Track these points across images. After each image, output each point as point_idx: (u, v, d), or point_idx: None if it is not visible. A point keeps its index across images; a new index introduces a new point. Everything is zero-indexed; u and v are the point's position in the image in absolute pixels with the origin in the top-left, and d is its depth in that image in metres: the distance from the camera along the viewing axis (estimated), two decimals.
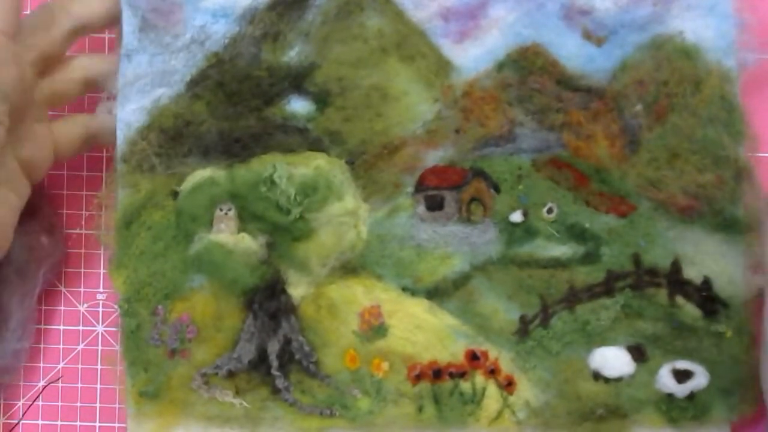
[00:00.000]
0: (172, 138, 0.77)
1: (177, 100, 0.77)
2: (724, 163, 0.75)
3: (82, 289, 0.85)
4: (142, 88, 0.77)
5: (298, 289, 0.77)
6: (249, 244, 0.76)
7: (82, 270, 0.85)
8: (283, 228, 0.76)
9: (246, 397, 0.77)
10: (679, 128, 0.75)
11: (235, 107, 0.77)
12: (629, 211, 0.76)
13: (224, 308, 0.77)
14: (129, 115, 0.77)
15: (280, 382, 0.76)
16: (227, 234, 0.76)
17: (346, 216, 0.76)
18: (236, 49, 0.77)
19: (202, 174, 0.77)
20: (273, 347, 0.77)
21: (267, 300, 0.76)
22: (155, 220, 0.77)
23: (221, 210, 0.76)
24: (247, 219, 0.76)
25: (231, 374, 0.77)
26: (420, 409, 0.76)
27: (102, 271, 0.85)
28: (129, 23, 0.77)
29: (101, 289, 0.85)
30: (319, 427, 0.77)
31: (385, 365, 0.76)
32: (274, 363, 0.77)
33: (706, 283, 0.75)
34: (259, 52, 0.77)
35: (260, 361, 0.77)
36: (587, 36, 0.76)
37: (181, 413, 0.77)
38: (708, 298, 0.75)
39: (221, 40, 0.77)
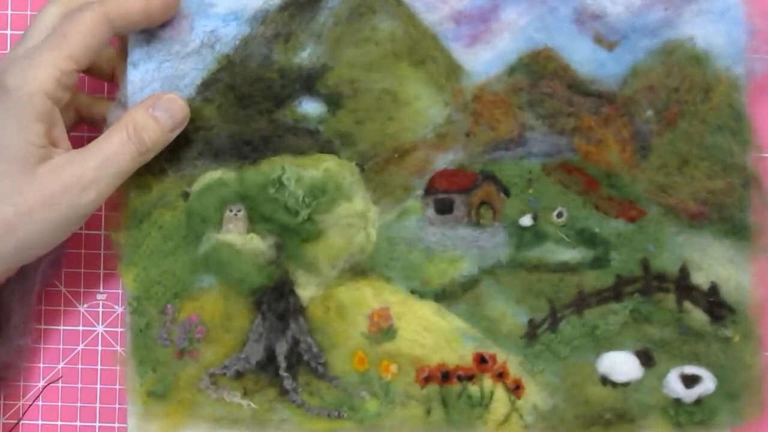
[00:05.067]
0: (183, 142, 0.76)
1: (187, 105, 0.76)
2: (733, 170, 0.75)
3: (82, 289, 0.85)
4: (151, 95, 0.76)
5: (306, 291, 0.77)
6: (257, 244, 0.76)
7: (82, 270, 0.85)
8: (291, 229, 0.76)
9: (254, 398, 0.77)
10: (688, 135, 0.75)
11: (246, 110, 0.77)
12: (639, 216, 0.76)
13: (233, 309, 0.77)
14: None
15: (288, 384, 0.76)
16: (235, 234, 0.76)
17: (355, 218, 0.76)
18: (247, 50, 0.76)
19: (212, 175, 0.76)
20: (281, 348, 0.77)
21: (275, 301, 0.76)
22: (166, 220, 0.77)
23: (231, 211, 0.76)
24: (256, 220, 0.76)
25: (239, 375, 0.77)
26: (428, 412, 0.76)
27: (102, 271, 0.85)
28: (135, 38, 0.77)
29: (101, 289, 0.85)
30: (326, 428, 0.77)
31: (393, 367, 0.76)
32: (282, 364, 0.77)
33: (714, 288, 0.76)
34: (271, 53, 0.76)
35: (268, 362, 0.77)
36: (598, 40, 0.76)
37: (188, 414, 0.77)
38: (715, 304, 0.75)
39: (232, 42, 0.77)
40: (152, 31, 0.76)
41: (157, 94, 0.75)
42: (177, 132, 0.75)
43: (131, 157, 0.73)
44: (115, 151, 0.72)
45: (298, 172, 0.76)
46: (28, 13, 0.85)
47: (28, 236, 0.71)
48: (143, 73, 0.77)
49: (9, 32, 0.85)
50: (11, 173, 0.70)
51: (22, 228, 0.70)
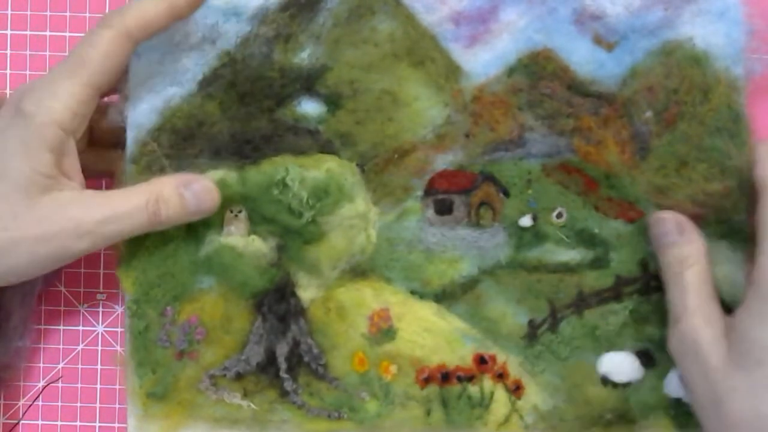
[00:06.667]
0: (184, 139, 0.76)
1: (189, 100, 0.76)
2: (731, 172, 0.75)
3: (82, 289, 0.85)
4: (153, 88, 0.76)
5: (307, 292, 0.77)
6: (259, 246, 0.76)
7: (82, 270, 0.85)
8: (294, 231, 0.76)
9: (254, 400, 0.77)
10: (687, 136, 0.75)
11: (248, 107, 0.76)
12: (638, 217, 0.76)
13: (233, 310, 0.77)
14: (140, 115, 0.76)
15: (288, 385, 0.76)
16: (237, 236, 0.76)
17: (357, 219, 0.76)
18: (248, 49, 0.76)
19: (213, 175, 0.76)
20: (281, 349, 0.77)
21: (276, 302, 0.76)
22: None
23: (232, 212, 0.76)
24: (257, 221, 0.76)
25: (239, 376, 0.77)
26: (428, 413, 0.76)
27: (102, 271, 0.84)
28: None
29: (101, 289, 0.85)
30: (326, 429, 0.77)
31: (393, 368, 0.77)
32: (283, 365, 0.77)
33: None
34: (271, 52, 0.76)
35: (268, 364, 0.77)
36: (598, 41, 0.76)
37: (188, 415, 0.77)
38: None
39: (233, 38, 0.76)
40: None
41: (195, 177, 0.74)
42: (197, 218, 0.74)
43: (140, 224, 0.71)
44: (127, 212, 0.71)
45: (301, 173, 0.75)
46: (28, 13, 0.84)
47: (13, 263, 0.70)
48: (146, 65, 0.76)
49: (9, 32, 0.84)
50: (11, 197, 0.69)
51: (8, 254, 0.69)
